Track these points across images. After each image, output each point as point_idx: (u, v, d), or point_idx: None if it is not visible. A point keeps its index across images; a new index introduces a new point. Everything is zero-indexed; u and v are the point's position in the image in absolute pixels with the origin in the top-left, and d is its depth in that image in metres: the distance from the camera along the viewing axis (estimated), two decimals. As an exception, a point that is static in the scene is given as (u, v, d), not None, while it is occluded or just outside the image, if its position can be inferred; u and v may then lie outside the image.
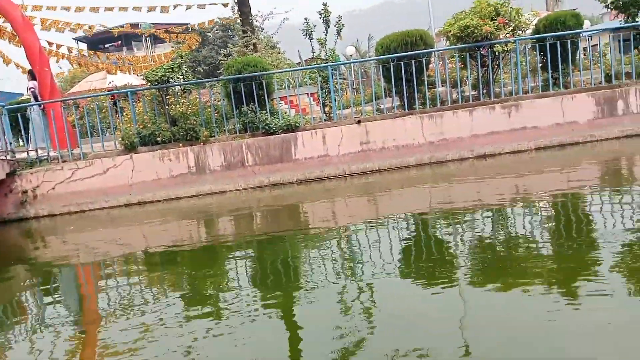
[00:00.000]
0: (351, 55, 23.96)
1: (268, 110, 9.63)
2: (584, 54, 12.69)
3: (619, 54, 10.49)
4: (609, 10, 10.23)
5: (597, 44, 13.58)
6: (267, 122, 9.45)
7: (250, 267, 5.10)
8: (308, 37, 10.04)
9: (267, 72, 9.60)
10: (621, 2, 9.80)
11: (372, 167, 9.34)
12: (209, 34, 31.38)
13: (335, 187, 8.83)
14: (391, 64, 9.67)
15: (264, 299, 4.06)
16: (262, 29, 16.45)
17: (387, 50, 9.92)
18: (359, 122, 9.52)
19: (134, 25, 22.89)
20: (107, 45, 47.30)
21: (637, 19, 9.76)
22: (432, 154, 9.46)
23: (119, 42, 45.10)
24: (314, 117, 10.20)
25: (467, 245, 4.89)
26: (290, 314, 3.80)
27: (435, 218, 6.09)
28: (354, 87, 13.38)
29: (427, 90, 9.98)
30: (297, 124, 9.55)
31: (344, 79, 14.62)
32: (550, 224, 5.24)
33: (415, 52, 9.62)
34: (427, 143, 9.59)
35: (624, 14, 10.04)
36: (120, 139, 9.61)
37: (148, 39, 43.64)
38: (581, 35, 10.12)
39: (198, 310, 3.98)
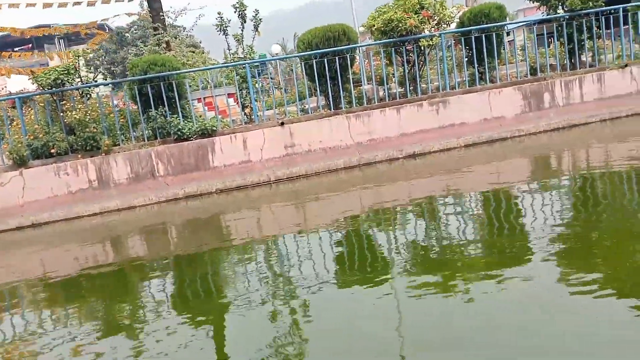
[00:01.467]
0: (277, 53, 23.48)
1: (180, 114, 8.89)
2: (509, 48, 12.89)
3: (543, 47, 10.65)
4: (531, 2, 10.36)
5: (520, 38, 13.91)
6: (180, 127, 8.73)
7: (167, 291, 4.64)
8: (222, 33, 9.39)
9: (177, 71, 8.85)
10: (542, -6, 9.94)
11: (299, 172, 8.87)
12: (127, 34, 29.75)
13: (260, 195, 8.29)
14: (314, 60, 9.24)
15: (186, 323, 3.70)
16: (184, 27, 15.57)
17: (309, 47, 9.50)
18: (282, 124, 9.01)
19: (45, 26, 21.15)
20: (16, 49, 44.06)
21: (558, 11, 9.92)
22: (361, 155, 9.12)
23: (30, 44, 42.12)
24: (233, 120, 9.57)
25: (403, 249, 4.78)
26: (219, 336, 3.53)
27: (367, 222, 5.86)
28: (278, 86, 12.91)
29: (352, 89, 9.63)
30: (214, 128, 8.90)
31: (272, 78, 14.11)
32: (482, 222, 5.19)
33: (338, 48, 9.25)
34: (355, 144, 9.24)
35: (545, 7, 10.19)
36: (7, 152, 8.52)
37: (61, 40, 41.10)
38: (505, 28, 10.15)
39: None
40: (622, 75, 9.94)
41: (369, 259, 4.63)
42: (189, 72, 10.01)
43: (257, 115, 9.31)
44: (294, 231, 6.04)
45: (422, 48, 9.48)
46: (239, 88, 9.24)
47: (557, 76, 9.96)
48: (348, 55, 9.39)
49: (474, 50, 9.80)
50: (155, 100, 8.85)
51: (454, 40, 10.41)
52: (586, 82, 9.88)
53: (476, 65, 9.88)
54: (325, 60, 9.26)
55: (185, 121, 8.91)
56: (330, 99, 9.45)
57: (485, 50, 9.75)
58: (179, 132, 8.74)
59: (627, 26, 10.50)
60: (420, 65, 9.93)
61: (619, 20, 10.29)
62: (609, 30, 10.32)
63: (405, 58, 9.63)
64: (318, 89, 9.58)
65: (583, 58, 10.55)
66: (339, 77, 9.35)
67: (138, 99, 8.87)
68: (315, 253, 4.99)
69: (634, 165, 6.59)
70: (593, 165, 7.23)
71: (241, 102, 9.37)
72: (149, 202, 8.43)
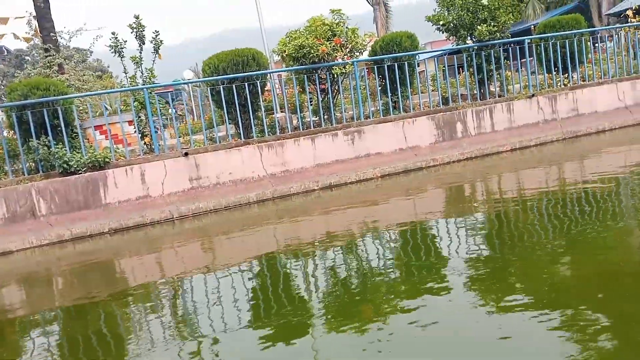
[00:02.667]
0: (189, 79, 22.72)
1: (67, 144, 7.96)
2: (421, 78, 13.15)
3: (453, 77, 10.88)
4: (441, 32, 10.60)
5: (431, 69, 14.27)
6: (66, 159, 7.81)
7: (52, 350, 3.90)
8: (117, 55, 8.64)
9: (63, 96, 7.96)
10: (452, 25, 10.16)
11: (206, 207, 8.21)
12: (27, 56, 27.59)
13: (161, 235, 7.54)
14: (221, 86, 8.72)
15: None
16: (90, 50, 14.47)
17: (215, 71, 9.00)
18: (186, 154, 8.35)
19: None
20: None
21: (467, 42, 10.19)
22: (275, 187, 8.65)
23: None
24: (130, 150, 8.75)
25: (321, 287, 4.50)
26: None
27: (282, 260, 5.46)
28: (178, 113, 12.21)
29: (264, 117, 9.20)
30: (108, 160, 8.05)
31: (182, 104, 13.36)
32: (401, 254, 5.08)
33: (248, 73, 8.81)
34: (268, 176, 8.76)
35: (455, 37, 10.44)
36: None
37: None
38: (417, 57, 10.26)
39: None
40: (529, 105, 10.34)
41: (283, 303, 4.19)
42: (76, 97, 9.07)
43: (158, 145, 8.57)
44: (198, 275, 5.42)
45: (336, 76, 9.29)
46: (137, 115, 8.47)
47: (468, 106, 10.16)
48: (259, 82, 8.97)
49: (387, 79, 9.78)
50: (38, 129, 7.88)
51: (367, 68, 10.35)
52: (496, 111, 10.16)
53: (390, 95, 9.84)
54: (234, 86, 8.77)
55: (74, 152, 8.00)
56: (241, 128, 8.95)
57: (398, 79, 9.74)
58: (65, 165, 7.80)
59: (532, 58, 11.02)
60: (335, 94, 9.74)
61: (524, 51, 10.78)
62: (515, 62, 10.77)
63: (318, 86, 9.39)
64: (226, 116, 9.05)
65: (492, 88, 10.90)
66: (250, 105, 8.89)
67: (17, 127, 7.86)
68: (225, 299, 4.49)
69: (544, 193, 6.75)
70: (506, 194, 7.26)
71: (140, 131, 8.60)
72: (28, 246, 7.38)
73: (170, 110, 11.66)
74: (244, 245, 6.48)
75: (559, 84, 10.90)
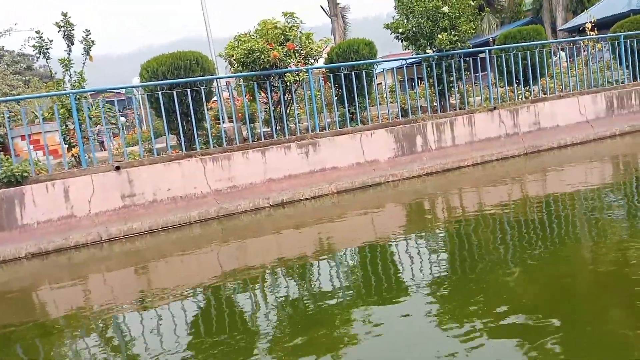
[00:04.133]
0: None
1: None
2: (379, 89, 12.69)
3: (413, 89, 10.43)
4: (400, 42, 10.14)
5: (390, 81, 13.87)
6: (-26, 173, 6.79)
7: None
8: (42, 56, 7.71)
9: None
10: (411, 33, 9.71)
11: (141, 228, 7.36)
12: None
13: (87, 259, 6.68)
14: (160, 92, 7.91)
15: None
16: (8, 51, 13.31)
17: (154, 76, 8.18)
18: (117, 168, 7.47)
19: None
20: None
21: (427, 51, 9.76)
22: (220, 205, 7.88)
23: None
24: (57, 163, 7.80)
25: (271, 316, 4.08)
26: None
27: (224, 289, 4.88)
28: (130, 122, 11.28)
29: (210, 127, 8.42)
30: (26, 174, 7.08)
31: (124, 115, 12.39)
32: (358, 276, 4.80)
33: (190, 79, 8.04)
34: (213, 192, 7.98)
35: (414, 47, 10.00)
36: None
37: None
38: (376, 66, 9.75)
39: None
40: (491, 118, 9.99)
41: (226, 335, 3.69)
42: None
43: (86, 158, 7.65)
44: (128, 306, 4.65)
45: (289, 84, 8.64)
46: (63, 123, 7.54)
47: (428, 118, 9.71)
48: (203, 88, 8.21)
49: (344, 88, 9.21)
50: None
51: (323, 77, 9.77)
52: (457, 124, 9.75)
53: (347, 105, 9.27)
54: (175, 92, 7.98)
55: (-13, 165, 7.00)
56: (182, 139, 8.15)
57: (355, 89, 9.19)
58: (-27, 180, 6.79)
59: (494, 70, 10.72)
60: (288, 103, 9.07)
61: (485, 63, 10.46)
62: (477, 74, 10.42)
63: (270, 94, 8.71)
64: (166, 126, 8.23)
65: (453, 100, 10.51)
66: (193, 113, 8.11)
67: None
68: (164, 332, 3.92)
69: (504, 211, 6.40)
70: (467, 212, 6.78)
71: (66, 141, 7.66)
72: None
73: (119, 119, 10.73)
74: (180, 272, 5.70)
75: (520, 97, 10.63)
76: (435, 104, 10.12)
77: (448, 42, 9.60)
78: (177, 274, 5.64)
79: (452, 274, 4.48)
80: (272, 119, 8.74)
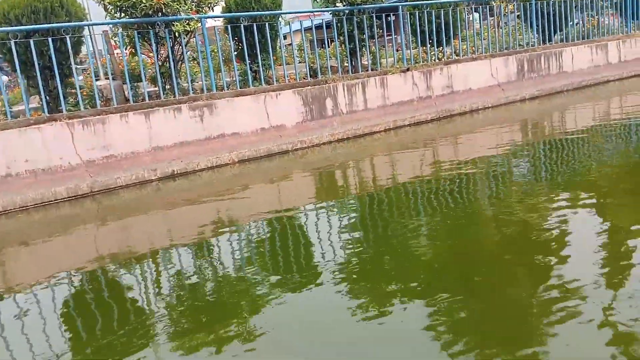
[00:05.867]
0: None
1: None
2: (286, 48, 11.62)
3: (322, 48, 9.50)
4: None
5: (298, 41, 12.81)
6: None
7: None
8: None
9: None
10: (320, -17, 8.72)
11: (-9, 208, 5.87)
12: None
13: None
14: (12, 41, 6.33)
15: None
16: None
17: (5, 21, 6.55)
18: (-46, 135, 5.88)
19: None
20: None
21: (337, 4, 8.82)
22: (95, 178, 6.55)
23: None
24: None
25: (160, 306, 3.44)
26: None
27: (104, 275, 4.00)
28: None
29: (78, 85, 6.97)
30: None
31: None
32: (261, 258, 4.09)
33: (52, 25, 6.52)
34: (84, 163, 6.63)
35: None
36: None
37: None
38: (282, 18, 8.64)
39: None
40: (404, 80, 9.33)
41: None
42: None
43: None
44: None
45: (178, 35, 7.35)
46: None
47: (339, 79, 8.84)
48: (69, 37, 6.70)
49: (245, 43, 8.05)
50: None
51: (220, 29, 8.53)
52: (369, 86, 8.99)
53: (248, 62, 8.15)
54: (32, 41, 6.43)
55: None
56: (44, 99, 6.65)
57: (258, 43, 8.07)
58: None
59: (407, 28, 10.04)
60: (179, 59, 7.78)
61: (398, 23, 9.75)
62: (390, 33, 9.69)
63: (156, 47, 7.38)
64: (22, 82, 6.67)
65: (365, 61, 9.73)
66: (57, 68, 6.61)
67: None
68: (30, 330, 3.04)
69: (420, 179, 5.88)
70: (380, 182, 6.08)
71: None
72: None
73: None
74: (42, 263, 4.49)
75: (433, 58, 10.06)
76: (346, 64, 9.27)
77: (360, -5, 8.72)
78: (36, 265, 4.43)
79: (362, 248, 4.04)
80: (159, 76, 7.42)
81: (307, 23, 11.34)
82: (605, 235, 3.70)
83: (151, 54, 7.75)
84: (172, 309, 3.31)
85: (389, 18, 9.89)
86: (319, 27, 10.15)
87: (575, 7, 11.90)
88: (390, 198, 5.38)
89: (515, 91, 10.67)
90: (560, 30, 11.70)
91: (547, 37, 11.50)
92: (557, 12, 11.40)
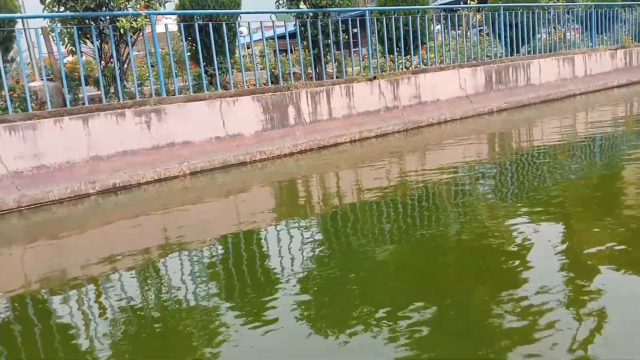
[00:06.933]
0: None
1: None
2: (248, 53, 11.00)
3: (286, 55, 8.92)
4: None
5: (260, 47, 12.17)
6: None
7: None
8: None
9: None
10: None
11: None
12: None
13: None
14: None
15: None
16: None
17: None
18: None
19: None
20: None
21: (300, 5, 8.26)
22: (22, 192, 5.75)
23: None
24: None
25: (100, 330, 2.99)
26: None
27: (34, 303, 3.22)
28: None
29: (7, 86, 6.15)
30: None
31: None
32: (211, 283, 3.58)
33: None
34: (10, 173, 5.81)
35: (286, 0, 8.46)
36: None
37: None
38: (240, 18, 8.02)
39: None
40: (370, 89, 8.84)
41: None
42: None
43: None
44: None
45: (124, 32, 6.62)
46: None
47: (302, 86, 8.27)
48: (-4, 31, 5.91)
49: (200, 43, 7.37)
50: None
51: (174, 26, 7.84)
52: (335, 94, 8.45)
53: (203, 65, 7.47)
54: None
55: None
56: (-36, 100, 5.81)
57: (214, 45, 7.42)
58: None
59: (374, 35, 9.59)
60: (124, 58, 7.04)
61: (364, 31, 9.29)
62: (356, 40, 9.20)
63: (98, 45, 6.63)
64: None
65: (330, 69, 9.20)
66: (-20, 65, 5.79)
67: None
68: None
69: (386, 195, 5.37)
70: (345, 198, 5.53)
71: None
72: None
73: None
74: None
75: (400, 67, 9.62)
76: (310, 70, 8.70)
77: (324, -4, 8.20)
78: None
79: (323, 266, 3.65)
80: (101, 77, 6.66)
81: (269, 33, 10.75)
82: (565, 247, 3.59)
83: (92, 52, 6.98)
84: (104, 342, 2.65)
85: (355, 25, 9.40)
86: (282, 37, 9.58)
87: (541, 19, 11.74)
88: (355, 215, 4.84)
89: (484, 103, 10.35)
90: (528, 42, 11.51)
91: (514, 49, 11.27)
92: (525, 23, 11.20)
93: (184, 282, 3.58)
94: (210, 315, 3.02)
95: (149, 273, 3.86)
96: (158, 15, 7.07)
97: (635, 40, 13.68)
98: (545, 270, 3.19)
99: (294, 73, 8.72)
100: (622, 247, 3.46)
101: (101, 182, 6.22)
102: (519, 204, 4.73)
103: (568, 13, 12.47)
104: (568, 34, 12.58)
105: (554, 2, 12.22)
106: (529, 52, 11.62)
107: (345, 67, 9.17)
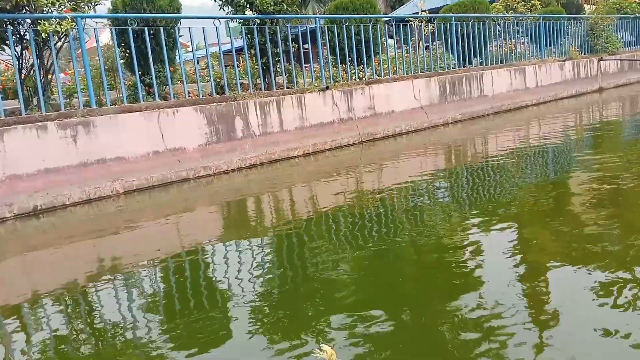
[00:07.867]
0: None
1: None
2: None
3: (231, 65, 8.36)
4: (215, 1, 7.97)
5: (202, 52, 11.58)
6: None
7: None
8: None
9: None
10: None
11: None
12: None
13: None
14: None
15: None
16: None
17: None
18: None
19: None
20: None
21: (246, 12, 7.74)
22: None
23: None
24: None
25: None
26: None
27: None
28: None
29: None
30: None
31: None
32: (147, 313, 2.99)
33: None
34: None
35: (230, 6, 7.92)
36: None
37: None
38: (179, 23, 7.40)
39: None
40: (323, 99, 8.38)
41: None
42: None
43: None
44: None
45: (46, 37, 5.89)
46: None
47: (250, 96, 7.71)
48: None
49: (135, 50, 6.71)
50: None
51: (102, 33, 7.15)
52: (285, 105, 7.93)
53: (139, 74, 6.81)
54: None
55: None
56: None
57: (151, 52, 6.78)
58: None
59: (326, 45, 9.18)
60: (47, 66, 6.29)
61: (315, 35, 8.86)
62: (306, 49, 8.77)
63: (21, 51, 5.89)
64: None
65: (280, 80, 8.70)
66: None
67: None
68: None
69: (342, 210, 4.91)
70: (299, 213, 5.01)
71: None
72: None
73: None
74: None
75: (353, 77, 9.24)
76: (258, 80, 8.18)
77: (272, 3, 7.71)
78: None
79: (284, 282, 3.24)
80: (20, 86, 5.89)
81: (215, 49, 10.20)
82: (519, 255, 3.43)
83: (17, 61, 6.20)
84: None
85: (306, 34, 8.96)
86: (228, 52, 9.01)
87: (492, 30, 11.70)
88: (309, 235, 4.28)
89: (439, 115, 10.09)
90: (480, 54, 11.41)
91: (467, 60, 11.13)
92: (477, 34, 11.10)
93: (111, 316, 2.93)
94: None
95: (66, 313, 3.17)
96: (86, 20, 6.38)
97: (581, 52, 13.90)
98: (499, 276, 3.08)
99: (241, 84, 8.16)
100: (570, 249, 3.40)
101: (19, 204, 5.43)
102: (473, 213, 4.42)
103: (517, 25, 12.51)
104: (518, 46, 12.61)
105: (504, 14, 12.24)
106: (481, 64, 11.52)
107: (296, 78, 8.70)
